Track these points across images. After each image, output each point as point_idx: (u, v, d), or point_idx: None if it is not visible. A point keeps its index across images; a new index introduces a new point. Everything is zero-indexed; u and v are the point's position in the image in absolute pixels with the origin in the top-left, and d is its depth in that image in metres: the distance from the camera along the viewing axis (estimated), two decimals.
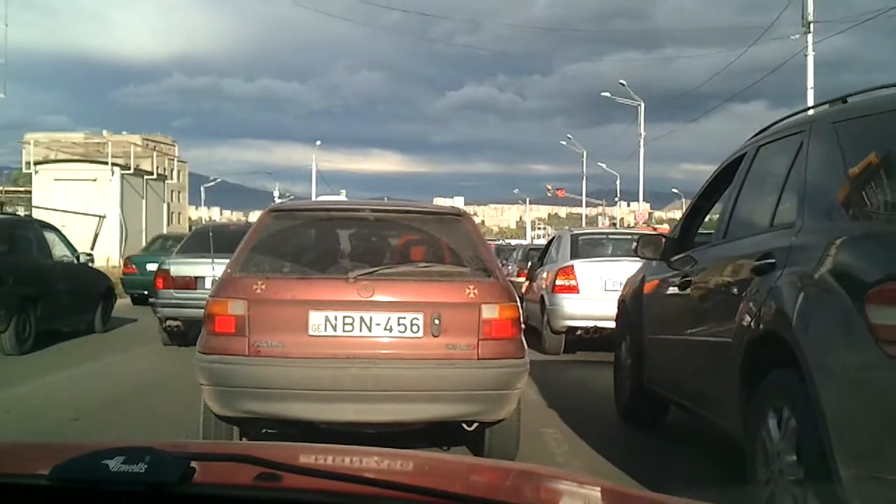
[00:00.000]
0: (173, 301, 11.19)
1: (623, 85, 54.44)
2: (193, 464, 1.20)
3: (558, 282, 11.43)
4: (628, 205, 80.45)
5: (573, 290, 11.34)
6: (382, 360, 4.94)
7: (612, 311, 11.23)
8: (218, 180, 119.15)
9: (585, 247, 12.21)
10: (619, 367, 7.19)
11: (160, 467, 1.17)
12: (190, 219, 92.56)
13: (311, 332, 4.95)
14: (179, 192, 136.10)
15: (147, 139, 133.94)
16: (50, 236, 12.78)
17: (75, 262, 13.27)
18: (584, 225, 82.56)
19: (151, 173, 31.20)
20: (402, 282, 5.16)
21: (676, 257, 5.85)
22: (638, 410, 6.63)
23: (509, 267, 23.49)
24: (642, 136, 54.73)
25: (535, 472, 1.90)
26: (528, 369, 5.26)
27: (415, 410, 5.04)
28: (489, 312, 5.02)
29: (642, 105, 54.25)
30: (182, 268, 11.46)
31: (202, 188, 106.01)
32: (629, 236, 12.83)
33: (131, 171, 29.30)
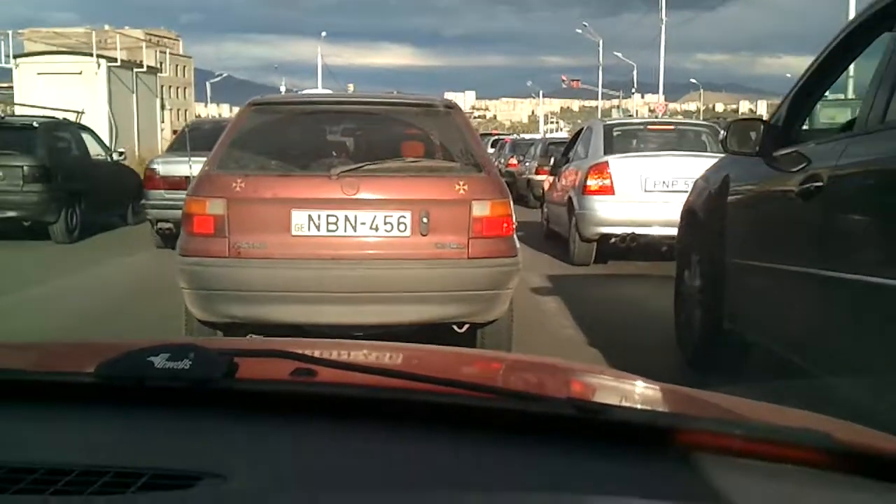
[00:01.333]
0: (163, 202, 10.91)
1: None
2: (236, 360, 1.21)
3: (590, 181, 9.70)
4: (642, 97, 78.18)
5: (607, 190, 9.62)
6: (368, 260, 4.79)
7: (653, 215, 9.63)
8: (224, 75, 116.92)
9: (621, 140, 10.40)
10: (683, 297, 5.55)
11: (205, 364, 1.19)
12: (197, 115, 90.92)
13: (293, 232, 4.75)
14: (185, 87, 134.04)
15: (150, 33, 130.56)
16: (86, 136, 14.28)
17: (109, 160, 14.69)
18: (600, 117, 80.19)
19: (141, 65, 28.98)
20: (389, 178, 4.94)
21: (782, 152, 4.13)
22: (713, 355, 4.99)
23: (527, 163, 21.66)
24: (664, 21, 52.82)
25: (567, 367, 1.91)
26: (520, 268, 5.07)
27: (402, 312, 4.85)
28: (480, 209, 4.82)
29: None
30: (171, 167, 11.06)
31: (207, 84, 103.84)
32: (672, 127, 11.01)
33: (118, 63, 27.14)
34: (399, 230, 4.82)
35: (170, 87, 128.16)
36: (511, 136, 35.04)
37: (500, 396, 1.23)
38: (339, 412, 1.19)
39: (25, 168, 11.93)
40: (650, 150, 10.19)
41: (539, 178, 19.48)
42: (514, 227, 5.10)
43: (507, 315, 5.16)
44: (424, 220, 4.80)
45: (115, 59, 27.06)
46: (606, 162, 9.64)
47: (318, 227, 4.79)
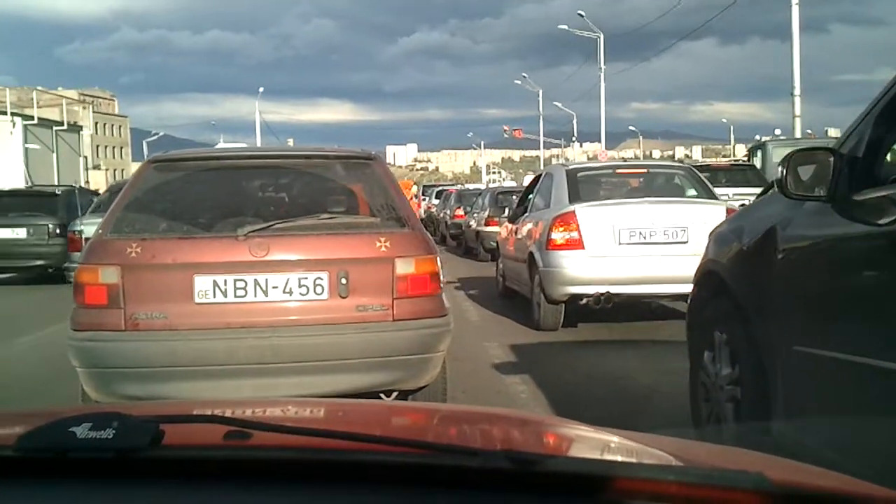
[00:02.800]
0: None
1: (581, 16, 52.67)
2: (162, 426, 1.18)
3: (554, 234, 8.41)
4: (581, 145, 78.60)
5: (576, 244, 8.33)
6: (283, 327, 4.43)
7: (629, 271, 8.31)
8: (161, 134, 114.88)
9: (587, 186, 9.14)
10: (706, 386, 4.21)
11: (129, 432, 1.16)
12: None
13: (197, 300, 4.41)
14: (122, 147, 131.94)
15: (84, 94, 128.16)
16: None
17: None
18: (542, 168, 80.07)
19: (61, 123, 27.28)
20: (302, 237, 4.61)
21: (866, 196, 2.85)
22: None
23: (475, 214, 20.41)
24: (602, 69, 53.26)
25: (504, 416, 1.91)
26: (451, 329, 4.77)
27: (323, 383, 4.42)
28: (404, 267, 4.55)
29: (601, 37, 52.49)
30: (95, 228, 9.84)
31: (144, 143, 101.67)
32: (644, 170, 9.80)
33: (35, 121, 25.41)
34: (316, 293, 4.49)
35: (105, 146, 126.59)
36: (456, 187, 33.92)
37: (436, 452, 1.22)
38: (273, 476, 1.19)
39: (50, 226, 15.02)
40: (621, 197, 8.93)
41: (489, 229, 18.28)
42: (442, 284, 4.78)
43: (440, 380, 4.87)
44: (343, 280, 4.49)
45: (31, 118, 25.23)
46: (573, 212, 8.37)
47: (224, 294, 4.42)
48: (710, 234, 4.50)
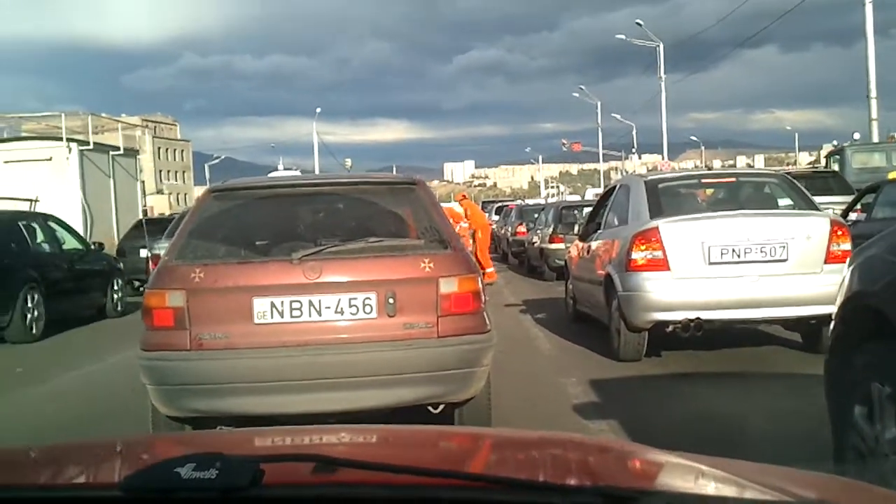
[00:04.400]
0: None
1: (640, 25, 51.58)
2: (262, 465, 1.24)
3: (635, 254, 7.48)
4: (640, 157, 77.19)
5: (660, 265, 7.39)
6: (335, 345, 4.69)
7: (722, 294, 7.27)
8: (222, 157, 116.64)
9: (670, 198, 8.19)
10: (857, 447, 3.30)
11: (231, 472, 1.22)
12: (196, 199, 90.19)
13: (256, 321, 4.66)
14: (184, 171, 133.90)
15: (146, 119, 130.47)
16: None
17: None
18: (601, 181, 78.74)
19: (118, 148, 27.09)
20: (352, 260, 4.85)
21: None
22: None
23: (538, 231, 19.49)
24: (662, 79, 51.97)
25: (583, 444, 1.93)
26: (493, 344, 4.91)
27: (373, 397, 4.67)
28: (447, 286, 4.74)
29: (661, 45, 51.27)
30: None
31: (206, 166, 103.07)
32: (733, 178, 8.79)
33: (90, 146, 25.22)
34: (365, 312, 4.71)
35: (168, 171, 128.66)
36: (515, 202, 33.02)
37: (530, 490, 1.23)
38: None
39: None
40: (709, 210, 7.96)
41: (554, 246, 17.39)
42: (485, 302, 4.95)
43: (485, 393, 5.04)
44: (391, 300, 4.69)
45: (87, 143, 25.05)
46: (656, 228, 7.44)
47: (281, 314, 4.68)
48: (853, 257, 3.58)
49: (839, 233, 7.33)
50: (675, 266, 7.35)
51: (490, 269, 17.78)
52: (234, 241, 5.15)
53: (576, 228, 10.89)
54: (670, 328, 7.51)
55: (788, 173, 18.46)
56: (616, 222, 8.67)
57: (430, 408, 4.94)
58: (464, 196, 22.08)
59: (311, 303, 4.68)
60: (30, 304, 11.51)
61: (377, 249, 4.95)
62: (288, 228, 5.43)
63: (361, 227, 5.37)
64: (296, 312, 4.68)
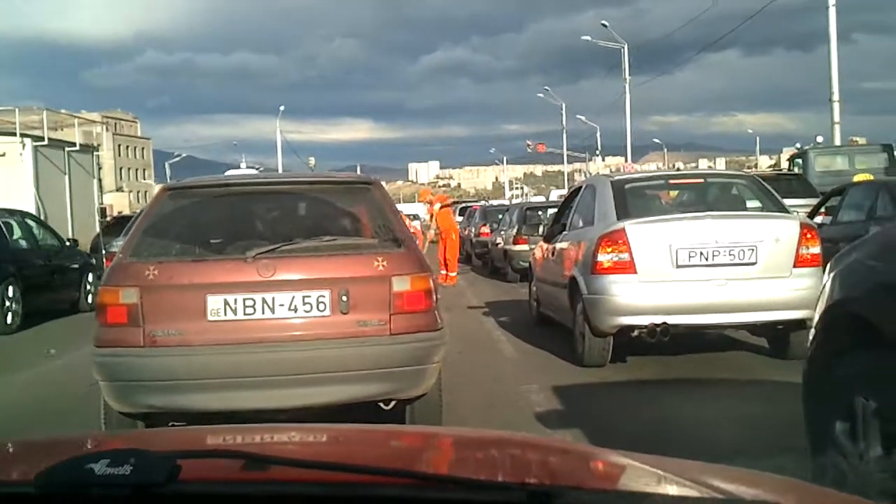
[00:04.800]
0: None
1: (605, 26, 51.73)
2: (179, 461, 1.21)
3: (601, 256, 7.27)
4: (603, 159, 77.55)
5: (626, 267, 7.18)
6: (288, 342, 4.72)
7: (690, 297, 7.09)
8: (183, 155, 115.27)
9: (637, 199, 7.98)
10: (837, 465, 3.09)
11: (146, 468, 1.20)
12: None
13: (210, 318, 4.69)
14: (144, 168, 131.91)
15: (106, 116, 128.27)
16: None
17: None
18: (565, 182, 78.78)
19: (74, 144, 26.42)
20: (306, 258, 4.91)
21: None
22: None
23: (502, 232, 19.28)
24: (627, 80, 51.88)
25: (517, 441, 1.90)
26: (445, 342, 5.02)
27: (326, 393, 4.74)
28: (400, 285, 4.81)
29: (625, 47, 51.44)
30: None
31: (167, 164, 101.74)
32: (701, 179, 8.59)
33: (45, 142, 24.55)
34: (318, 310, 4.75)
35: (128, 168, 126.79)
36: (480, 203, 32.83)
37: (452, 485, 1.23)
38: None
39: None
40: (677, 212, 7.77)
41: (518, 248, 17.18)
42: (437, 300, 5.03)
43: (436, 389, 5.11)
44: (344, 298, 4.75)
45: (42, 139, 24.39)
46: (622, 229, 7.22)
47: (234, 312, 4.71)
48: (834, 263, 3.35)
49: (808, 236, 7.16)
50: (642, 269, 7.14)
51: (453, 274, 17.54)
52: (189, 239, 5.20)
53: (540, 230, 10.66)
54: (636, 333, 7.30)
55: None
56: (581, 224, 8.45)
57: (381, 404, 5.01)
58: (431, 195, 21.52)
59: (264, 300, 4.72)
60: (8, 298, 11.99)
61: (331, 248, 5.02)
62: (243, 227, 5.43)
63: (316, 225, 5.44)
64: (249, 310, 4.71)
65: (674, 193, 8.33)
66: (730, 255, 7.09)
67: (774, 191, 8.09)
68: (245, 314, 4.71)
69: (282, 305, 4.73)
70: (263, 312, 4.72)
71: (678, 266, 7.10)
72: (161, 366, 4.69)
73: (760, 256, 7.08)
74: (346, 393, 4.78)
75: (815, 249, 7.14)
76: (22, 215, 14.48)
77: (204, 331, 4.69)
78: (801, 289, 7.04)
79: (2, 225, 12.95)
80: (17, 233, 13.49)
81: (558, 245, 8.90)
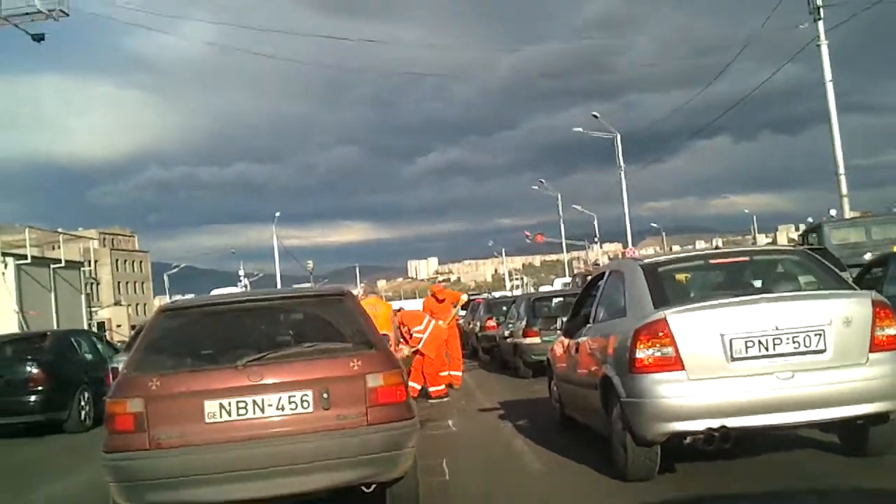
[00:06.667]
0: None
1: (596, 118, 51.72)
2: None
3: (640, 353, 6.17)
4: (601, 246, 77.18)
5: (671, 364, 6.08)
6: (278, 437, 5.24)
7: (751, 394, 5.99)
8: (182, 266, 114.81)
9: (674, 283, 6.93)
10: None
11: None
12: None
13: (207, 420, 5.23)
14: (143, 282, 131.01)
15: (103, 233, 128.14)
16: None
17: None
18: (566, 271, 78.00)
19: (59, 261, 25.57)
20: (290, 363, 5.49)
21: None
22: None
23: (509, 325, 18.18)
24: (622, 168, 51.65)
25: None
26: (417, 428, 5.63)
27: (313, 481, 5.29)
28: (374, 381, 5.41)
29: (618, 136, 51.39)
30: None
31: (165, 276, 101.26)
32: (746, 258, 7.47)
33: (28, 259, 23.69)
34: (303, 407, 5.33)
35: (126, 282, 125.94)
36: (483, 296, 31.78)
37: None
38: None
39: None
40: (725, 295, 6.66)
41: (529, 341, 16.07)
42: (408, 393, 5.69)
43: (412, 472, 5.68)
44: (325, 395, 5.35)
45: (24, 257, 23.53)
46: (663, 319, 6.14)
47: (229, 413, 5.26)
48: None
49: (883, 314, 6.09)
50: (691, 364, 6.04)
51: (457, 373, 15.88)
52: (185, 352, 5.84)
53: (558, 323, 9.53)
54: (688, 440, 6.16)
55: None
56: (609, 314, 7.37)
57: (363, 487, 5.51)
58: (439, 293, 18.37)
59: (255, 402, 5.29)
60: (82, 403, 13.90)
61: (311, 353, 5.64)
62: (232, 338, 6.02)
63: (297, 333, 6.13)
64: (242, 411, 5.27)
65: (733, 274, 7.20)
66: (794, 342, 6.01)
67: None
68: (238, 415, 5.26)
69: (270, 405, 5.30)
70: (255, 412, 5.28)
71: (733, 359, 6.00)
72: (165, 465, 5.15)
73: (829, 342, 6.00)
74: (331, 479, 5.34)
75: (893, 330, 6.07)
76: (87, 333, 17.84)
77: (202, 432, 5.21)
78: (880, 377, 5.98)
79: (73, 341, 15.56)
80: (85, 347, 15.59)
81: (583, 340, 7.79)
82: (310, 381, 5.34)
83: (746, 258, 7.42)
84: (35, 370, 13.61)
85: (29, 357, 14.12)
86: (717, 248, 7.54)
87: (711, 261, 7.31)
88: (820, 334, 6.01)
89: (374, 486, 5.51)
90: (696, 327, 6.11)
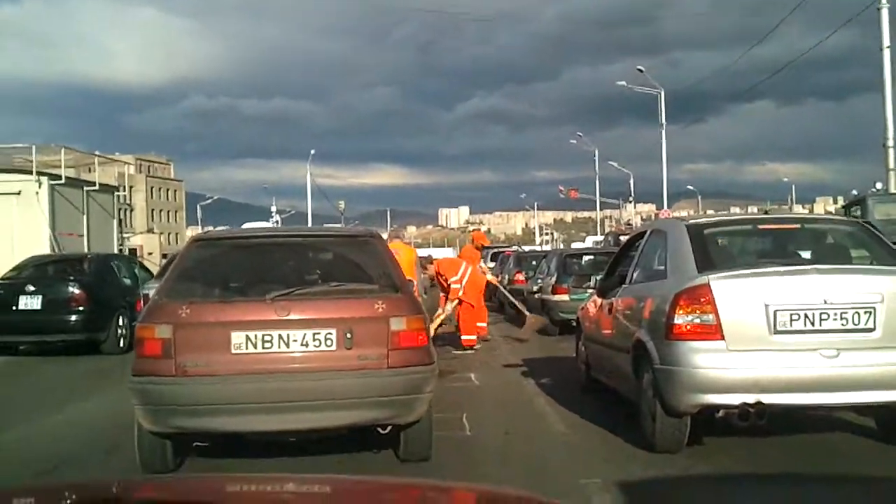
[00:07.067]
0: None
1: (641, 71, 50.65)
2: None
3: (679, 318, 5.87)
4: (634, 206, 76.14)
5: (711, 333, 5.78)
6: (301, 373, 5.38)
7: (793, 370, 5.63)
8: (215, 198, 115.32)
9: (721, 248, 6.60)
10: None
11: None
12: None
13: (233, 351, 5.35)
14: (176, 211, 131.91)
15: (140, 159, 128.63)
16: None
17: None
18: (598, 229, 77.10)
19: (93, 183, 25.51)
20: (316, 300, 5.60)
21: None
22: None
23: (539, 280, 17.87)
24: (664, 126, 50.55)
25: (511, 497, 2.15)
26: (436, 374, 5.74)
27: (333, 418, 5.46)
28: (397, 324, 5.49)
29: (662, 92, 50.27)
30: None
31: (198, 206, 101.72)
32: (797, 225, 7.14)
33: (62, 180, 23.63)
34: (326, 345, 5.43)
35: (160, 210, 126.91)
36: (513, 248, 31.44)
37: None
38: None
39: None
40: (772, 263, 6.32)
41: (557, 298, 15.75)
42: (430, 337, 5.91)
43: (427, 417, 5.75)
44: (348, 335, 5.42)
45: (59, 177, 23.47)
46: (706, 285, 5.82)
47: (255, 346, 5.38)
48: None
49: None
50: (731, 334, 5.73)
51: (483, 324, 15.45)
52: (215, 283, 5.99)
53: (591, 281, 9.21)
54: (719, 413, 5.89)
55: None
56: (647, 276, 7.06)
57: (379, 429, 5.71)
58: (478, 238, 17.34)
59: (280, 336, 5.40)
60: (120, 325, 14.26)
61: (337, 292, 5.78)
62: (262, 273, 6.11)
63: (325, 272, 6.22)
64: (267, 344, 5.38)
65: (783, 241, 6.83)
66: (842, 318, 5.67)
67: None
68: (264, 348, 5.38)
69: (295, 341, 5.41)
70: (279, 347, 5.39)
71: (776, 331, 5.68)
72: (189, 392, 5.31)
73: (880, 320, 5.66)
74: (349, 417, 5.50)
75: None
76: (127, 259, 18.67)
77: (228, 362, 5.34)
78: None
79: (113, 266, 15.99)
80: (124, 271, 16.03)
81: (617, 301, 7.50)
82: (335, 319, 5.43)
83: (797, 225, 7.06)
84: (77, 290, 14.09)
85: (72, 278, 14.61)
86: (765, 212, 7.08)
87: (760, 226, 6.92)
88: (870, 312, 5.67)
89: (389, 427, 5.66)
90: (740, 295, 5.79)
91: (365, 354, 5.40)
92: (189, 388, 5.29)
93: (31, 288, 14.07)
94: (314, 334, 5.39)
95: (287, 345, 5.37)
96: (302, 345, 5.38)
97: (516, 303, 16.02)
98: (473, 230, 24.39)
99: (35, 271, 15.30)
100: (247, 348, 5.34)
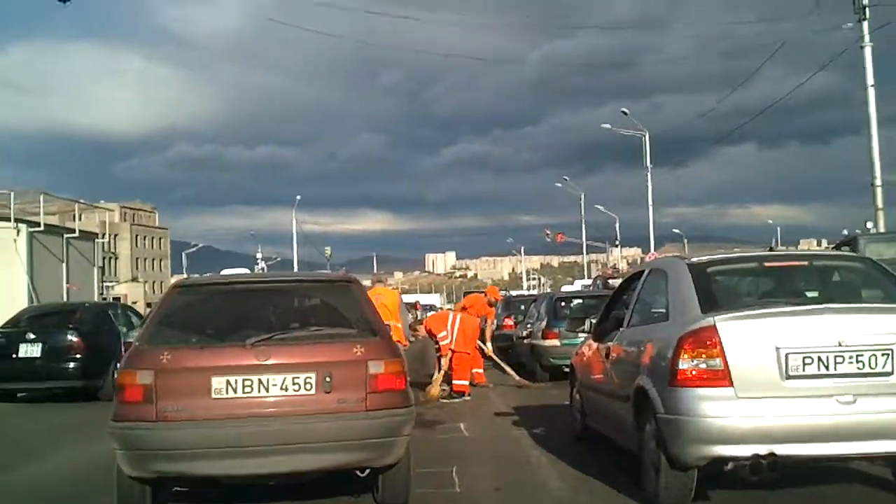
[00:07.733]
0: None
1: (625, 114, 50.84)
2: None
3: (684, 363, 5.48)
4: (621, 250, 76.02)
5: (719, 379, 5.38)
6: (280, 416, 5.39)
7: (808, 418, 5.27)
8: (200, 246, 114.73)
9: (725, 287, 6.23)
10: None
11: None
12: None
13: (214, 396, 5.38)
14: (161, 259, 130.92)
15: (125, 207, 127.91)
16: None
17: None
18: (585, 273, 76.99)
19: (73, 231, 25.07)
20: (296, 345, 5.66)
21: None
22: None
23: (528, 325, 17.46)
24: (649, 168, 50.57)
25: None
26: (413, 417, 5.76)
27: (311, 461, 5.50)
28: (375, 368, 5.55)
29: (647, 134, 50.31)
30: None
31: (183, 254, 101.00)
32: (806, 262, 6.74)
33: (41, 227, 23.19)
34: (306, 389, 5.47)
35: (145, 258, 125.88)
36: (502, 293, 31.05)
37: None
38: None
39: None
40: (781, 303, 5.94)
41: (548, 343, 15.33)
42: (408, 381, 5.78)
43: (405, 459, 5.81)
44: (328, 378, 5.48)
45: (37, 224, 23.03)
46: (712, 327, 5.44)
47: (235, 390, 5.41)
48: None
49: None
50: (740, 380, 5.33)
51: (479, 371, 15.19)
52: (196, 329, 5.97)
53: (586, 324, 8.79)
54: (729, 466, 5.46)
55: None
56: (646, 319, 6.68)
57: (357, 472, 5.76)
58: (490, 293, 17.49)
59: (260, 381, 5.43)
60: (116, 373, 13.16)
61: (316, 337, 5.80)
62: (242, 318, 6.09)
63: (304, 317, 6.28)
64: (247, 388, 5.41)
65: (791, 279, 6.46)
66: (858, 361, 5.29)
67: None
68: (244, 392, 5.40)
69: (275, 385, 5.44)
70: (259, 391, 5.42)
71: (789, 376, 5.29)
72: (170, 437, 5.30)
73: None
74: (329, 460, 5.52)
75: None
76: (122, 307, 18.53)
77: (208, 407, 5.35)
78: None
79: (110, 314, 16.24)
80: (121, 320, 16.24)
81: (615, 345, 7.10)
82: (314, 363, 5.47)
83: (805, 262, 6.69)
84: (75, 338, 14.56)
85: (70, 326, 15.03)
86: (770, 249, 6.73)
87: (766, 263, 6.53)
88: (888, 354, 5.30)
89: (367, 471, 5.73)
90: (749, 338, 5.40)
91: (344, 398, 5.44)
92: (169, 433, 5.29)
93: (32, 336, 14.50)
94: (294, 378, 5.43)
95: (267, 389, 5.41)
96: (282, 389, 5.42)
97: (507, 368, 16.01)
98: (490, 286, 24.64)
99: (34, 320, 15.71)
100: (227, 393, 5.37)
